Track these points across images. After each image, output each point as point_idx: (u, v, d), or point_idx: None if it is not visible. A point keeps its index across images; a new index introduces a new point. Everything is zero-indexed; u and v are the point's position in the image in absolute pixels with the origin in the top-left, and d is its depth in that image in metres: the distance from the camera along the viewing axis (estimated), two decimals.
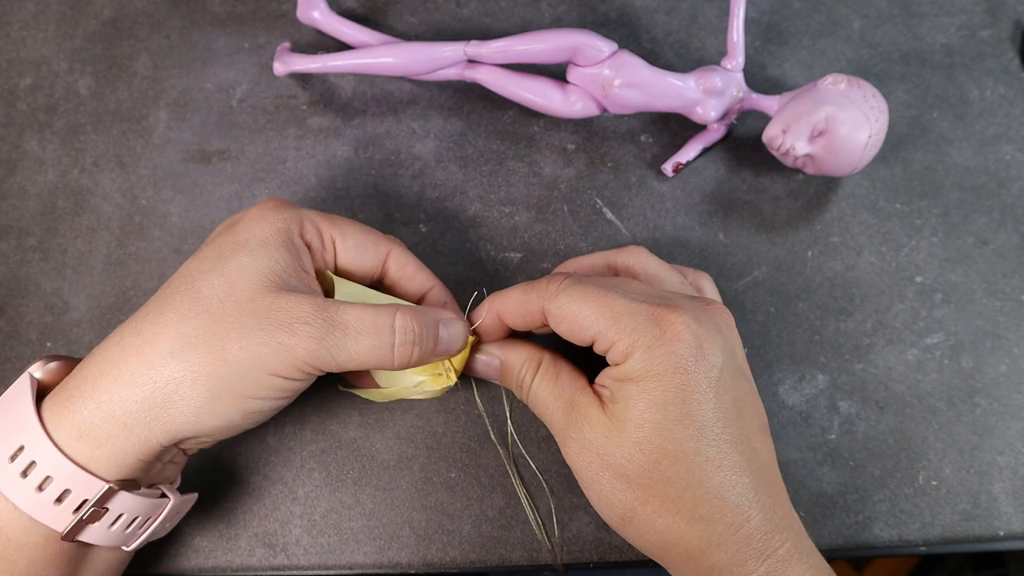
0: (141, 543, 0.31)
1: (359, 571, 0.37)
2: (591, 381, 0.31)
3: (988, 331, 0.39)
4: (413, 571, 0.37)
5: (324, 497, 0.37)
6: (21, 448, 0.27)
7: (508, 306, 0.32)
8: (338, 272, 0.34)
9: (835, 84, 0.38)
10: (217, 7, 0.47)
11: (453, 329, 0.32)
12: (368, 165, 0.43)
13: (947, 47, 0.45)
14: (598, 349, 0.30)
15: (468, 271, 0.41)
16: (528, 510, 0.37)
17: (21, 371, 0.39)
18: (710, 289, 0.35)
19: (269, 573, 0.37)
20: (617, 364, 0.29)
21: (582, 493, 0.31)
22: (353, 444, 0.38)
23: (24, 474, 0.27)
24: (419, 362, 0.31)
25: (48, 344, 0.40)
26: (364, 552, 0.37)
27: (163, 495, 0.31)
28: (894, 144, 0.42)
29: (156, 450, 0.29)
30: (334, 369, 0.29)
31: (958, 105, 0.44)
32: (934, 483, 0.37)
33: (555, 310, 0.30)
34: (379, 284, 0.35)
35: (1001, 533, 0.36)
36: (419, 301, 0.35)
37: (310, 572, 0.37)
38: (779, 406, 0.38)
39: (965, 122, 0.43)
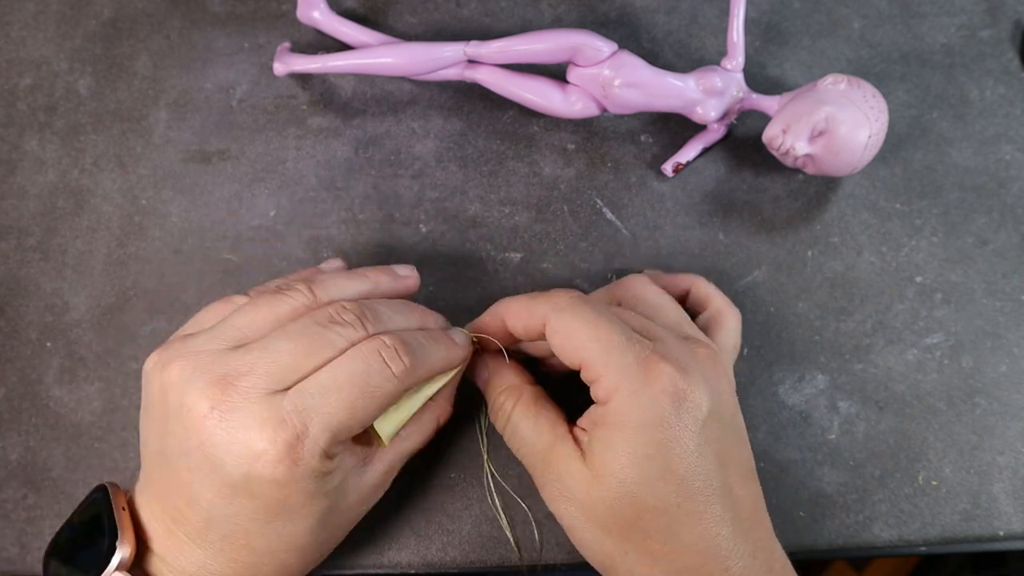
0: None
1: (359, 571, 0.37)
2: (572, 418, 0.31)
3: (988, 331, 0.39)
4: (413, 571, 0.37)
5: None
6: None
7: (513, 309, 0.32)
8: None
9: (835, 84, 0.38)
10: (217, 7, 0.47)
11: (459, 338, 0.34)
12: (368, 165, 0.43)
13: (947, 47, 0.45)
14: (584, 378, 0.30)
15: (468, 271, 0.41)
16: (501, 515, 0.37)
17: (21, 371, 0.40)
18: (718, 299, 0.35)
19: None
20: (600, 402, 0.29)
21: None
22: None
23: None
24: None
25: (48, 344, 0.40)
26: (364, 552, 0.37)
27: None
28: (894, 144, 0.42)
29: None
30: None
31: (958, 105, 0.44)
32: (934, 483, 0.37)
33: (555, 322, 0.30)
34: None
35: (1001, 533, 0.36)
36: None
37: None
38: (779, 406, 0.38)
39: (965, 122, 0.43)
